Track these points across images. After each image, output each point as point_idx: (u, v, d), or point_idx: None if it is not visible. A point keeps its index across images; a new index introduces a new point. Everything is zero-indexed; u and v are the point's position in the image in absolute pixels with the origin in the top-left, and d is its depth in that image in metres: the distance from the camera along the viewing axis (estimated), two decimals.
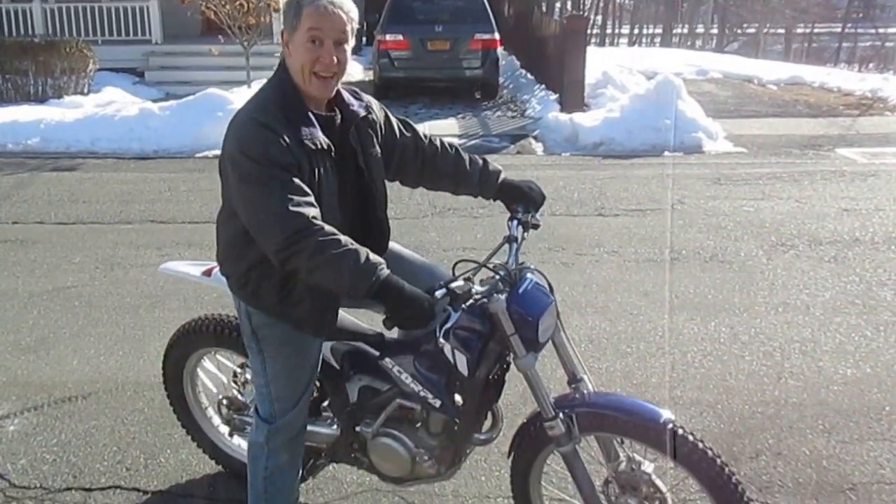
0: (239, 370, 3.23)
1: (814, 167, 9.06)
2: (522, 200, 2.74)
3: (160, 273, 3.43)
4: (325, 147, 2.40)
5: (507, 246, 2.62)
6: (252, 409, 2.78)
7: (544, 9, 44.57)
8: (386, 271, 2.24)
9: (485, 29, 13.88)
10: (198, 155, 9.96)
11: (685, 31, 49.98)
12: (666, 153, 9.83)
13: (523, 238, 2.65)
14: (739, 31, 47.94)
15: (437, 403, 2.56)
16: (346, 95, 2.56)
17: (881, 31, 46.05)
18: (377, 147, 2.61)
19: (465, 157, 2.81)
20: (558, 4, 47.57)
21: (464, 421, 2.60)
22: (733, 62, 22.00)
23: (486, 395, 2.60)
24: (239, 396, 3.24)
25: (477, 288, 2.40)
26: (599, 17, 55.86)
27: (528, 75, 15.78)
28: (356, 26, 2.46)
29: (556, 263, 5.88)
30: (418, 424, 2.72)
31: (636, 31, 52.29)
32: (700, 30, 50.21)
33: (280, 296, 2.50)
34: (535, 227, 2.72)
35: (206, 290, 5.29)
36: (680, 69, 17.65)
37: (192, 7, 13.38)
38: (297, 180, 2.29)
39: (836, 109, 13.27)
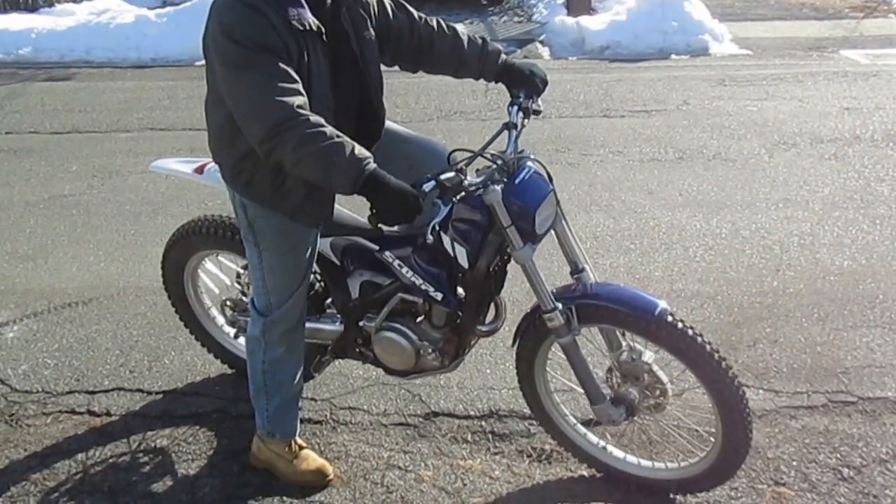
0: (242, 271, 3.13)
1: (817, 68, 8.74)
2: (524, 84, 2.54)
3: (152, 170, 3.30)
4: (315, 28, 2.20)
5: (506, 133, 2.45)
6: (249, 303, 2.68)
7: None
8: (372, 165, 2.09)
9: None
10: (197, 63, 9.47)
11: None
12: (672, 56, 9.51)
13: (523, 125, 2.49)
14: None
15: (439, 296, 2.46)
16: None
17: None
18: (371, 30, 2.41)
19: (464, 37, 2.61)
20: None
21: (466, 313, 2.51)
22: None
23: (488, 286, 2.50)
24: (243, 298, 3.14)
25: (471, 179, 2.26)
26: None
27: None
28: None
29: (562, 164, 5.73)
30: (421, 317, 2.64)
31: None
32: None
33: (274, 185, 2.35)
34: (536, 113, 2.53)
35: (208, 195, 5.19)
36: None
37: None
38: (283, 65, 2.10)
39: (841, 12, 12.77)
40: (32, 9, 12.45)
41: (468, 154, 2.33)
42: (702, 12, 10.41)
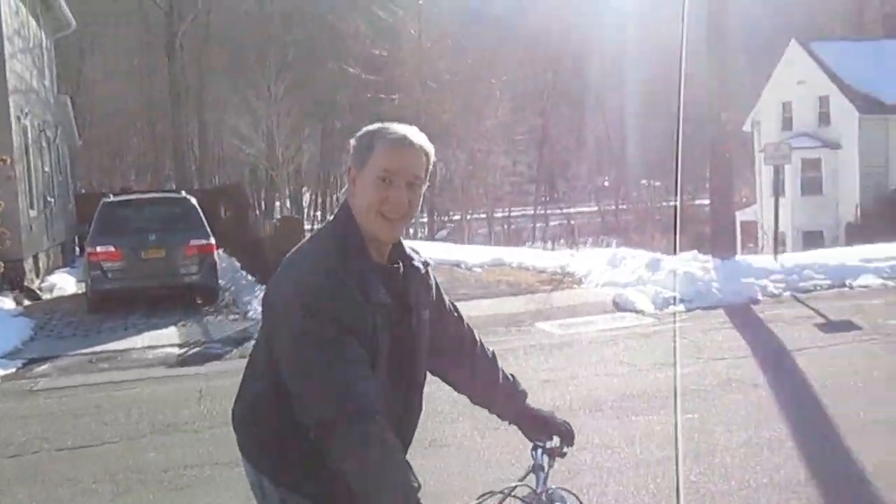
0: None
1: (517, 343, 9.74)
2: (551, 431, 2.60)
3: None
4: (387, 304, 2.19)
5: (532, 476, 2.47)
6: None
7: (263, 207, 45.44)
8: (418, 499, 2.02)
9: (199, 234, 13.77)
10: None
11: None
12: None
13: (551, 466, 2.53)
14: (446, 218, 51.61)
15: None
16: (407, 248, 2.37)
17: (566, 210, 51.82)
18: (427, 311, 2.39)
19: (501, 368, 2.66)
20: (277, 203, 48.76)
21: None
22: (443, 249, 23.41)
23: None
24: None
25: None
26: (319, 213, 57.82)
27: (249, 276, 15.82)
28: (431, 167, 2.28)
29: None
30: None
31: None
32: None
33: (307, 465, 2.21)
34: (563, 455, 2.59)
35: None
36: None
37: None
38: (360, 348, 2.07)
39: (533, 286, 14.45)
40: None
41: (497, 494, 2.33)
42: None
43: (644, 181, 52.89)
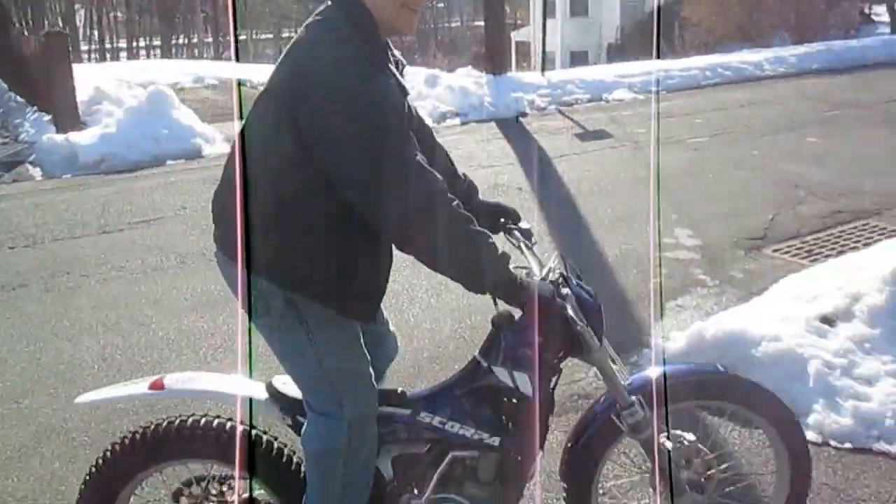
0: (185, 487, 2.38)
1: None
2: (503, 216, 2.52)
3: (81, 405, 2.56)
4: (404, 96, 2.08)
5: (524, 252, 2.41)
6: (308, 413, 2.20)
7: (30, 24, 40.70)
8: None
9: None
10: None
11: (184, 41, 49.40)
12: (168, 162, 9.61)
13: (533, 245, 2.46)
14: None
15: (496, 441, 2.20)
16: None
17: None
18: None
19: (454, 164, 2.50)
20: (47, 22, 43.80)
21: (527, 450, 2.23)
22: (228, 68, 22.22)
23: (550, 410, 2.27)
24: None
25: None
26: (96, 32, 52.66)
27: (18, 98, 14.28)
28: None
29: (63, 289, 5.45)
30: (476, 476, 2.26)
31: (135, 44, 50.29)
32: (196, 39, 49.96)
33: (327, 270, 2.05)
34: (531, 234, 2.52)
35: None
36: (178, 78, 17.39)
37: None
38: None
39: None
40: None
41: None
42: (190, 117, 10.73)
43: (428, 2, 52.08)
